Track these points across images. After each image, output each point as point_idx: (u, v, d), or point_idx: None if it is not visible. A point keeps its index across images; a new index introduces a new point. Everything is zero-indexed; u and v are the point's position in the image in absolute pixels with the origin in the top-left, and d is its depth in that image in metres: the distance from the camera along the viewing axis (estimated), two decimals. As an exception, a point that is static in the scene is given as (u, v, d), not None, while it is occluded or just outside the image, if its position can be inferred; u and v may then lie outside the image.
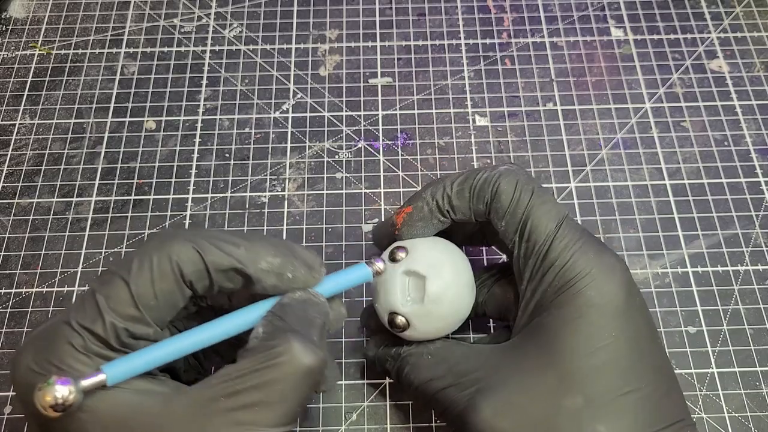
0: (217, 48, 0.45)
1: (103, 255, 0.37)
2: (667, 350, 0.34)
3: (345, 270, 0.28)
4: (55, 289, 0.36)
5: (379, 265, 0.28)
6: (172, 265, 0.24)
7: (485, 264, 0.37)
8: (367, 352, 0.32)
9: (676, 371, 0.34)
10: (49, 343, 0.23)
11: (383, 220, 0.33)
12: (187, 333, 0.24)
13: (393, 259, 0.29)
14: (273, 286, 0.25)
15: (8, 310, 0.36)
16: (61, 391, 0.21)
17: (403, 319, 0.29)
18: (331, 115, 0.42)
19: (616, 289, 0.26)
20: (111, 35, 0.46)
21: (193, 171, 0.40)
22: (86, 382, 0.22)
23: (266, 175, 0.40)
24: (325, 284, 0.26)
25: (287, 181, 0.40)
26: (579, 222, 0.38)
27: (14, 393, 0.23)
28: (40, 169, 0.40)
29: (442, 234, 0.31)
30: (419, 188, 0.39)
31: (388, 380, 0.33)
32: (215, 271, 0.24)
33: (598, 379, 0.25)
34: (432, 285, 0.28)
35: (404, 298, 0.29)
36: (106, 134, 0.42)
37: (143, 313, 0.23)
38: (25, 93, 0.43)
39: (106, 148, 0.41)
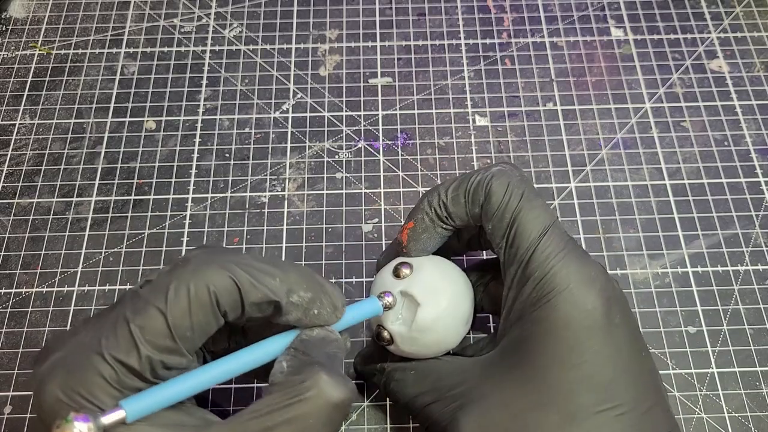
0: (217, 48, 0.45)
1: (103, 255, 0.37)
2: (666, 350, 0.34)
3: (356, 304, 0.28)
4: (55, 289, 0.36)
5: (389, 299, 0.28)
6: (210, 295, 0.23)
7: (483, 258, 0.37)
8: (356, 365, 0.32)
9: (675, 371, 0.34)
10: (79, 373, 0.22)
11: (385, 249, 0.33)
12: (208, 367, 0.24)
13: (397, 274, 0.29)
14: (297, 320, 0.25)
15: (8, 310, 0.36)
16: (80, 428, 0.20)
17: (389, 335, 0.29)
18: (331, 115, 0.42)
19: (594, 305, 0.25)
20: (111, 35, 0.46)
21: (193, 171, 0.40)
22: (106, 419, 0.21)
23: (266, 175, 0.40)
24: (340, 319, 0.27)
25: (287, 181, 0.40)
26: (579, 222, 0.38)
27: (39, 418, 0.22)
28: (40, 169, 0.40)
29: (440, 252, 0.31)
30: (419, 188, 0.39)
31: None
32: (249, 303, 0.24)
33: (574, 396, 0.25)
34: (423, 314, 0.28)
35: (395, 315, 0.29)
36: (106, 134, 0.42)
37: (179, 345, 0.23)
38: (25, 93, 0.43)
39: (106, 148, 0.41)
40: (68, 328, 0.35)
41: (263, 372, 0.25)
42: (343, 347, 0.26)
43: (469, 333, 0.34)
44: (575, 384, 0.25)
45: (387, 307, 0.28)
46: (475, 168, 0.40)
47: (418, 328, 0.28)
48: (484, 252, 0.37)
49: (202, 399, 0.29)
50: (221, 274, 0.23)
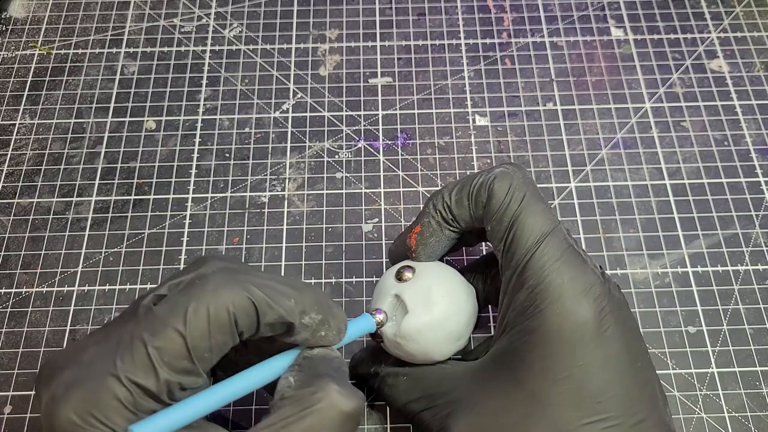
0: (217, 48, 0.45)
1: (103, 255, 0.37)
2: (666, 350, 0.34)
3: (352, 322, 0.27)
4: (55, 289, 0.36)
5: (380, 317, 0.28)
6: (229, 317, 0.23)
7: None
8: (351, 368, 0.32)
9: (675, 371, 0.34)
10: (94, 396, 0.21)
11: (398, 237, 0.32)
12: (218, 387, 0.24)
13: (399, 277, 0.29)
14: (304, 340, 0.25)
15: (8, 310, 0.36)
16: None
17: (380, 333, 0.29)
18: (331, 115, 0.42)
19: (585, 317, 0.25)
20: (111, 35, 0.46)
21: (193, 171, 0.40)
22: None
23: (266, 175, 0.40)
24: None
25: (287, 180, 0.40)
26: (579, 222, 0.38)
27: None
28: (40, 169, 0.40)
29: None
30: (419, 188, 0.39)
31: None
32: (264, 324, 0.24)
33: (561, 408, 0.25)
34: (407, 322, 0.28)
35: (390, 316, 0.29)
36: (106, 134, 0.42)
37: (197, 366, 0.23)
38: (25, 93, 0.43)
39: (106, 148, 0.41)
40: (67, 342, 0.35)
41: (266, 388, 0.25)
42: (344, 362, 0.26)
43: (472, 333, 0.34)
44: (562, 396, 0.25)
45: (380, 324, 0.28)
46: (476, 168, 0.40)
47: (401, 335, 0.28)
48: (484, 247, 0.37)
49: None
50: (240, 295, 0.23)
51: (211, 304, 0.22)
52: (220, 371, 0.26)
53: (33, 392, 0.33)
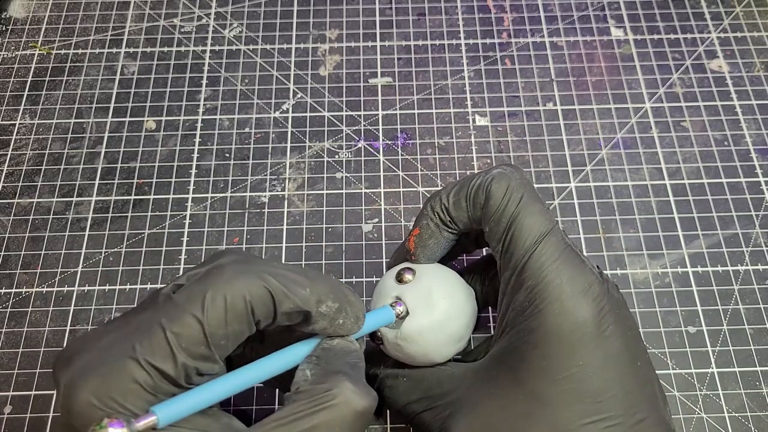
0: (217, 48, 0.45)
1: (103, 255, 0.37)
2: (666, 350, 0.34)
3: (372, 313, 0.28)
4: (55, 289, 0.36)
5: (401, 308, 0.28)
6: (246, 305, 0.23)
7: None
8: None
9: (675, 371, 0.34)
10: (113, 379, 0.22)
11: (399, 247, 0.32)
12: (235, 374, 0.24)
13: (399, 279, 0.29)
14: (322, 329, 0.25)
15: (8, 310, 0.36)
16: None
17: (380, 335, 0.29)
18: (331, 115, 0.42)
19: (584, 317, 0.25)
20: (111, 35, 0.46)
21: (193, 171, 0.40)
22: (140, 425, 0.21)
23: (266, 175, 0.40)
24: None
25: (287, 180, 0.40)
26: (579, 222, 0.38)
27: (64, 422, 0.22)
28: (40, 169, 0.40)
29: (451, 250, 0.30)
30: (419, 188, 0.39)
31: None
32: (281, 313, 0.24)
33: (561, 408, 0.25)
34: (409, 324, 0.28)
35: None
36: (106, 134, 0.42)
37: (214, 352, 0.23)
38: (25, 93, 0.43)
39: (106, 148, 0.41)
40: (67, 342, 0.35)
41: (279, 379, 0.26)
42: (362, 357, 0.26)
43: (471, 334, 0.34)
44: (562, 396, 0.25)
45: (399, 315, 0.28)
46: (475, 168, 0.40)
47: (402, 337, 0.28)
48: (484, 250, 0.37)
49: None
50: (257, 284, 0.23)
51: (228, 293, 0.23)
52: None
53: (34, 392, 0.33)
